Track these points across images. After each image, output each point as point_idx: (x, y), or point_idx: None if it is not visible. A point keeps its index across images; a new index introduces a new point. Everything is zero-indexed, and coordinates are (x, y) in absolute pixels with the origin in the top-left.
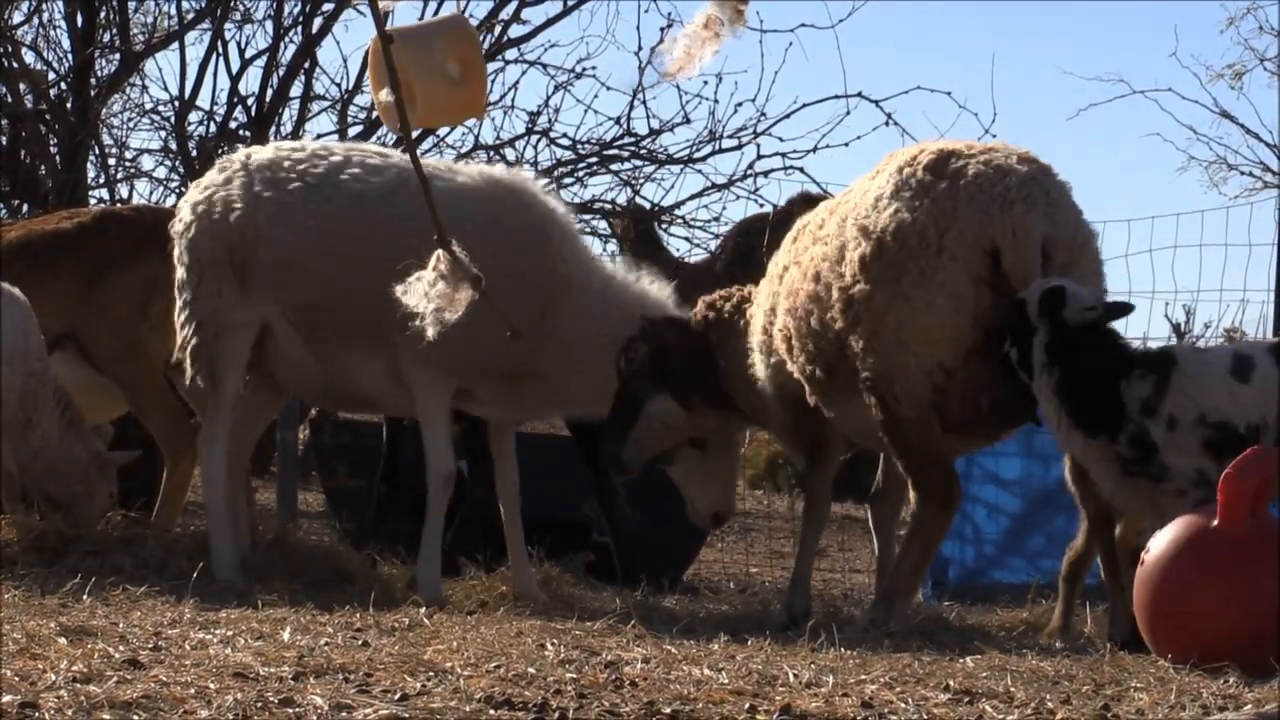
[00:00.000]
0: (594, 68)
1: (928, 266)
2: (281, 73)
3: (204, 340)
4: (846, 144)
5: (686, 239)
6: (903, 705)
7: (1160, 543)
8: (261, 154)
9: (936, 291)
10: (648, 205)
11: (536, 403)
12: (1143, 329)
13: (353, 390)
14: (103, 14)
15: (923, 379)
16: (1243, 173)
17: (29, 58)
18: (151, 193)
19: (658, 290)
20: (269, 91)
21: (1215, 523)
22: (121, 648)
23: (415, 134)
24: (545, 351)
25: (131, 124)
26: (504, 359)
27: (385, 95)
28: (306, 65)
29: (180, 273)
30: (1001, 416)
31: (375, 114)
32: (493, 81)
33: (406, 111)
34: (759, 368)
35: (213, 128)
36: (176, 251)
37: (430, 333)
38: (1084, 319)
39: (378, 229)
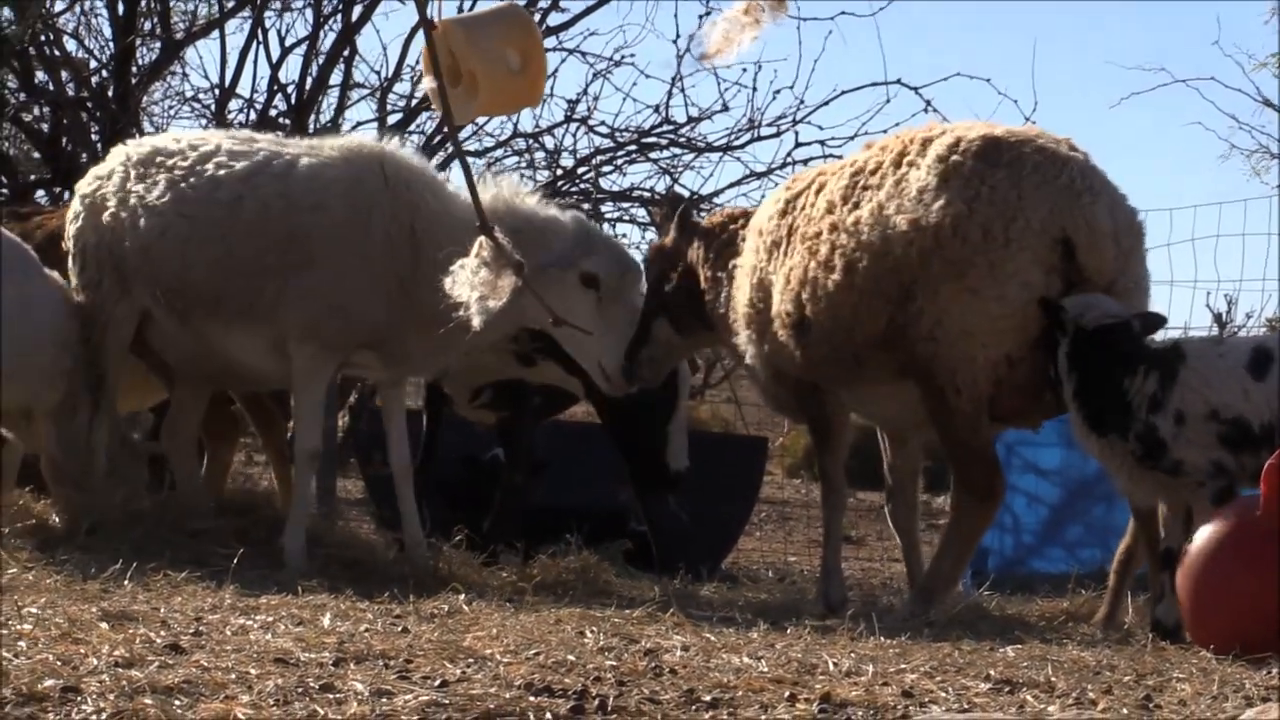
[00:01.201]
0: (633, 56)
1: (995, 259)
2: (321, 60)
3: (88, 333)
4: (885, 131)
5: None
6: (943, 694)
7: (1202, 534)
8: (141, 147)
9: (1007, 283)
10: (686, 193)
11: (427, 356)
12: (1184, 318)
13: (234, 368)
14: (144, 2)
15: (988, 371)
16: None
17: (71, 45)
18: None
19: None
20: (309, 79)
21: (1258, 514)
22: (163, 633)
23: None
24: (421, 308)
25: (172, 112)
26: (381, 328)
27: (429, 82)
28: (346, 53)
29: (69, 264)
30: (1054, 405)
31: (415, 101)
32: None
33: (467, 102)
34: (748, 346)
35: (253, 115)
36: (66, 242)
37: (476, 321)
38: (1102, 324)
39: (240, 209)
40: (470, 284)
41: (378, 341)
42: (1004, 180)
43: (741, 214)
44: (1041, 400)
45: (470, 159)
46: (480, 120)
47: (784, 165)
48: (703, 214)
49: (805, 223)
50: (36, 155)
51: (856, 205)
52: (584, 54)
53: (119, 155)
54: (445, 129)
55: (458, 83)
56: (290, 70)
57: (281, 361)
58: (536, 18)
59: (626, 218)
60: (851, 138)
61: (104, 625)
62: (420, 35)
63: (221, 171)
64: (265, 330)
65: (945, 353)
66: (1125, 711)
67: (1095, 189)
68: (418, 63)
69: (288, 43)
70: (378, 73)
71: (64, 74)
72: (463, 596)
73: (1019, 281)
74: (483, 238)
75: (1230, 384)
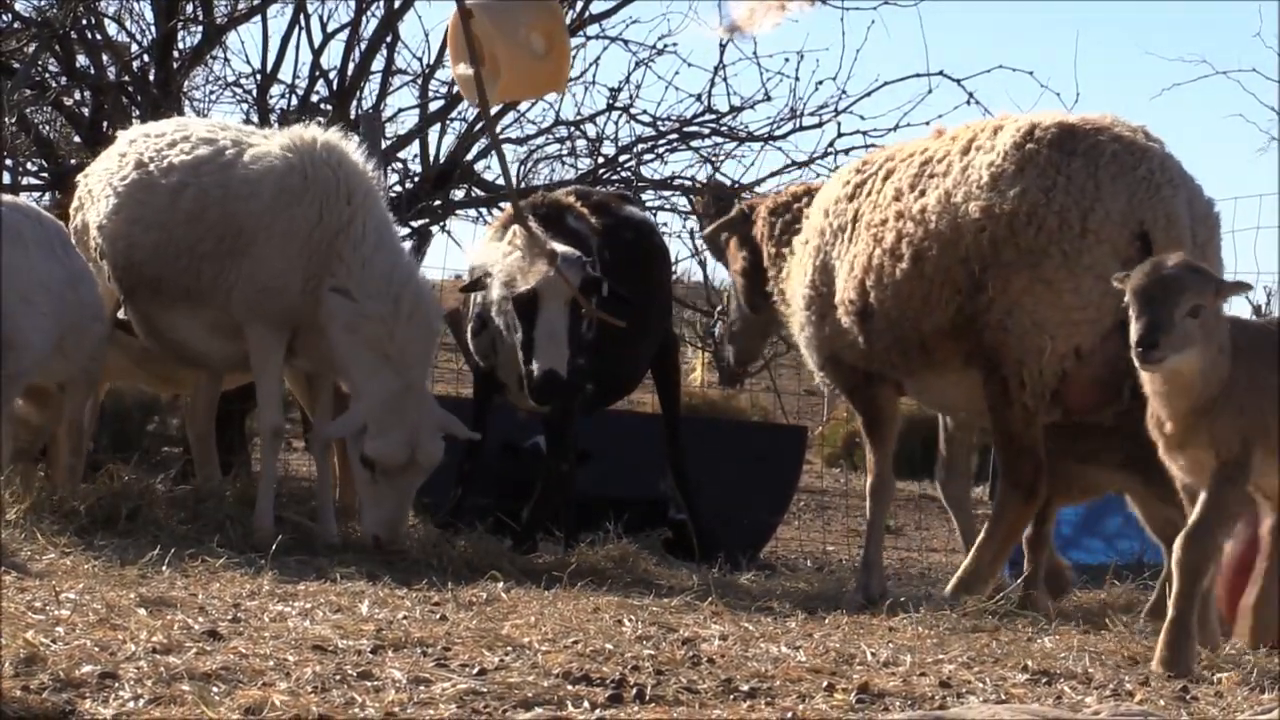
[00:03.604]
0: (675, 44)
1: (1071, 249)
2: (363, 46)
3: None
4: (928, 122)
5: None
6: (980, 685)
7: (1244, 527)
8: (131, 132)
9: (1083, 275)
10: (728, 182)
11: (312, 351)
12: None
13: (179, 348)
14: None
15: (1055, 364)
16: None
17: (112, 29)
18: None
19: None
20: (350, 65)
21: None
22: (201, 619)
23: (496, 109)
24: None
25: (214, 97)
26: (295, 312)
27: (464, 69)
28: (388, 39)
29: None
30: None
31: (457, 88)
32: (574, 57)
33: (488, 84)
34: (806, 326)
35: (294, 101)
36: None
37: (496, 294)
38: None
39: (182, 197)
40: (503, 269)
41: (308, 326)
42: (1080, 170)
43: (805, 191)
44: (1117, 393)
45: (511, 146)
46: (523, 107)
47: (825, 155)
48: (742, 201)
49: (871, 209)
50: (78, 139)
51: (923, 193)
52: (626, 42)
53: (121, 138)
54: (481, 116)
55: (483, 66)
56: (332, 56)
57: (224, 343)
58: (579, 5)
59: (667, 206)
60: (893, 128)
61: (142, 611)
62: (447, 22)
63: (178, 159)
64: (205, 313)
65: (1015, 343)
66: (1162, 703)
67: (1174, 181)
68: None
69: (330, 28)
70: (420, 59)
71: (105, 58)
72: (501, 584)
73: (1095, 274)
74: (516, 225)
75: None
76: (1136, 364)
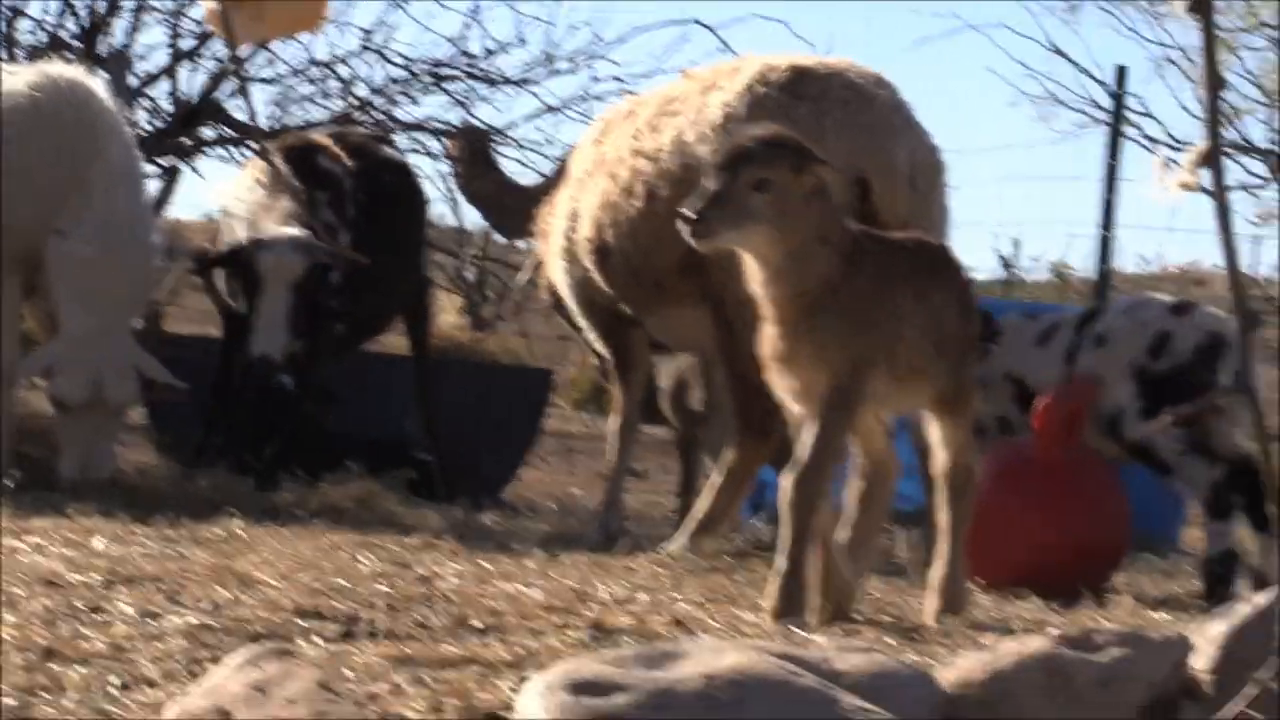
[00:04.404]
0: None
1: None
2: None
3: None
4: (681, 70)
5: (519, 161)
6: (713, 623)
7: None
8: None
9: None
10: (481, 125)
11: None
12: (970, 260)
13: None
14: None
15: None
16: (1072, 109)
17: None
18: None
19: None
20: (101, 2)
21: (1029, 451)
22: None
23: (250, 49)
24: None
25: None
26: (40, 247)
27: (213, 3)
28: None
29: None
30: None
31: (207, 26)
32: None
33: (253, 22)
34: (560, 277)
35: (43, 37)
36: None
37: (242, 235)
38: None
39: None
40: (241, 200)
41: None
42: (807, 114)
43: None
44: None
45: (263, 85)
46: (276, 46)
47: (579, 100)
48: (496, 147)
49: (613, 150)
50: None
51: (659, 132)
52: None
53: None
54: (231, 53)
55: (246, 3)
56: None
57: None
58: None
59: (420, 149)
60: (647, 75)
61: None
62: None
63: None
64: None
65: (736, 285)
66: (891, 641)
67: (897, 128)
68: None
69: None
70: None
71: None
72: (239, 522)
73: None
74: (261, 160)
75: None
76: (686, 238)
